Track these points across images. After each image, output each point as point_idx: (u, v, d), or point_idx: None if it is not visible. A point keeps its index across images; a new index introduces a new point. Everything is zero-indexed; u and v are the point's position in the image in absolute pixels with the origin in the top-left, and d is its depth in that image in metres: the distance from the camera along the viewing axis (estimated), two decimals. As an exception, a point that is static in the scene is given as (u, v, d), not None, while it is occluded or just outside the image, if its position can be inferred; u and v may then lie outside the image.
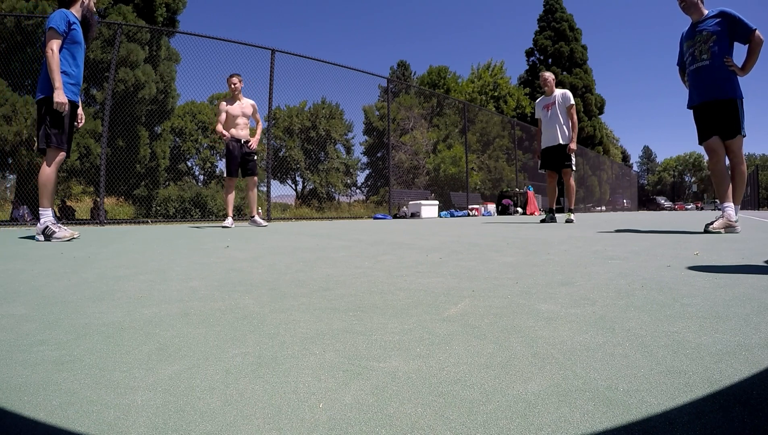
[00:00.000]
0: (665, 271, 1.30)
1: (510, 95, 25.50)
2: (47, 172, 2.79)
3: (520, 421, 0.43)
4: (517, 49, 68.84)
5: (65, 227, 2.84)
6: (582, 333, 0.71)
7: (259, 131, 5.14)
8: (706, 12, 3.16)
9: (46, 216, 2.77)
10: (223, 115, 4.87)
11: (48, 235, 2.71)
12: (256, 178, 5.04)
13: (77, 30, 2.87)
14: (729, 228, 2.96)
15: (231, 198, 4.93)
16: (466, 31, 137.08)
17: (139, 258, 1.85)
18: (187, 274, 1.38)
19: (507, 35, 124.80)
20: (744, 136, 3.03)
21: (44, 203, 2.79)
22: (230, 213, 4.87)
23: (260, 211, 8.29)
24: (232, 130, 4.89)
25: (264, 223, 5.10)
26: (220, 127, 4.80)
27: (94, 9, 3.04)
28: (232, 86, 4.90)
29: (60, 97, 2.70)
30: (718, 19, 3.06)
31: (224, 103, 4.92)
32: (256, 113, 5.08)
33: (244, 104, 4.94)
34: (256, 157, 4.98)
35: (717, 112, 3.04)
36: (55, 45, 2.71)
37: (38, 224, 2.75)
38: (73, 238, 2.80)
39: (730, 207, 3.02)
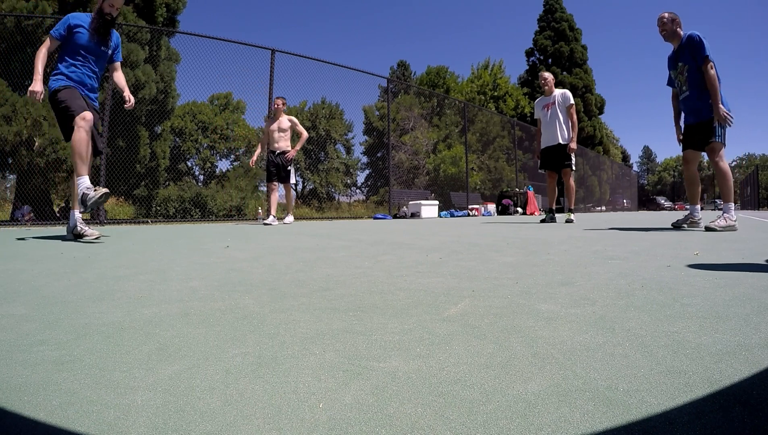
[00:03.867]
0: (665, 271, 1.30)
1: (509, 95, 25.50)
2: (75, 136, 2.70)
3: (520, 421, 0.43)
4: (517, 49, 68.81)
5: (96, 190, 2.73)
6: (582, 333, 0.71)
7: (299, 143, 5.87)
8: (682, 35, 3.37)
9: (83, 184, 2.70)
10: (264, 135, 5.90)
11: (85, 202, 2.65)
12: (287, 184, 5.90)
13: (82, 33, 2.83)
14: (692, 224, 3.54)
15: (272, 199, 5.83)
16: (466, 31, 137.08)
17: (139, 258, 1.85)
18: (187, 274, 1.38)
19: (507, 35, 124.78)
20: (723, 144, 3.27)
21: (80, 170, 2.72)
22: (273, 212, 5.73)
23: (260, 211, 8.29)
24: (272, 144, 5.78)
25: (276, 222, 5.69)
26: (255, 155, 5.83)
27: (106, 9, 2.88)
28: (275, 106, 5.83)
29: (33, 84, 2.66)
30: (686, 49, 3.29)
31: (266, 122, 5.95)
32: (297, 126, 5.84)
33: (282, 121, 5.78)
34: (289, 167, 5.81)
35: (697, 131, 3.37)
36: (42, 47, 2.75)
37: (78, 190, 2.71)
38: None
39: (694, 208, 3.59)
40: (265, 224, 5.44)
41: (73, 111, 2.73)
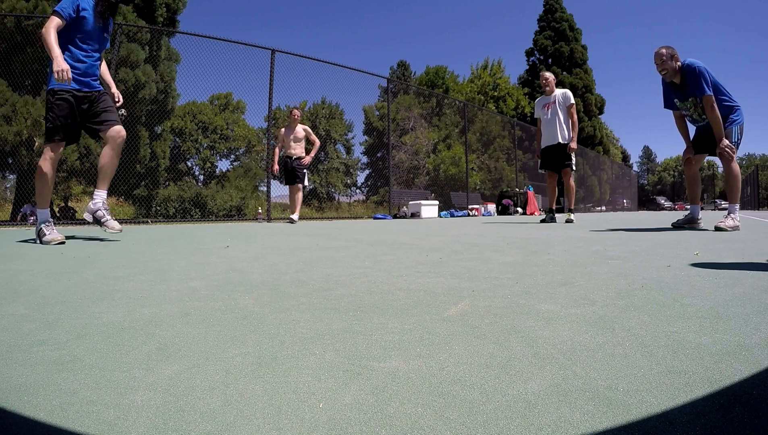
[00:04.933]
0: (665, 271, 1.30)
1: (509, 95, 25.50)
2: (39, 168, 2.62)
3: (520, 421, 0.43)
4: (517, 49, 68.84)
5: (55, 230, 2.64)
6: (582, 333, 0.71)
7: (314, 150, 6.55)
8: (682, 66, 3.34)
9: (41, 216, 2.63)
10: (279, 141, 6.45)
11: (40, 236, 2.58)
12: (300, 185, 6.43)
13: (87, 17, 2.66)
14: (690, 224, 3.61)
15: (290, 200, 6.53)
16: (467, 31, 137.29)
17: (139, 258, 1.85)
18: (187, 274, 1.38)
19: (507, 35, 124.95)
20: (737, 148, 3.33)
21: (38, 202, 2.66)
22: (298, 211, 6.45)
23: (260, 211, 8.33)
24: (288, 151, 6.36)
25: (297, 220, 6.34)
26: (275, 163, 6.44)
27: None
28: (292, 116, 6.38)
29: (57, 64, 2.46)
30: (689, 81, 3.27)
31: (283, 129, 6.44)
32: (311, 135, 6.48)
33: (297, 129, 6.38)
34: (305, 170, 6.43)
35: (711, 137, 3.33)
36: (50, 24, 2.53)
37: (36, 225, 2.64)
38: (63, 242, 2.58)
39: (695, 207, 3.62)
40: (291, 223, 6.15)
41: (49, 134, 2.61)
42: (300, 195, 6.51)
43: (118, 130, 2.76)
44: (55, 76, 2.47)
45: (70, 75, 2.50)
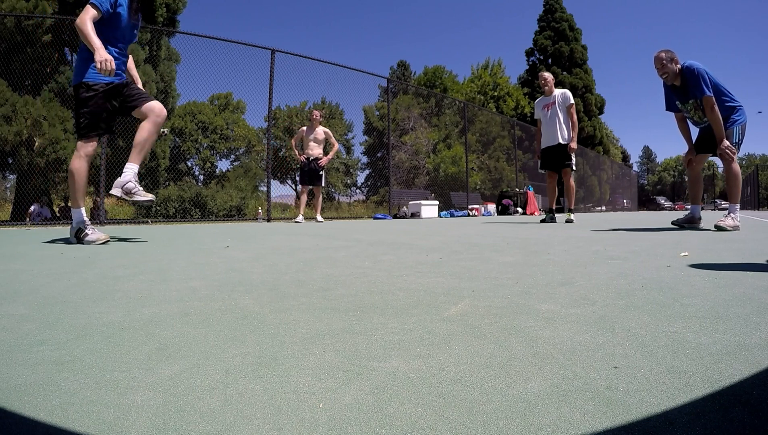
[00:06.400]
0: (665, 271, 1.30)
1: (509, 95, 25.52)
2: (73, 165, 2.52)
3: (520, 421, 0.43)
4: (517, 49, 68.93)
5: (97, 230, 2.56)
6: (582, 333, 0.71)
7: (332, 153, 6.71)
8: (682, 69, 3.34)
9: (77, 216, 2.53)
10: (298, 136, 6.67)
11: (80, 238, 2.48)
12: (318, 187, 6.62)
13: (122, 13, 2.56)
14: (690, 223, 3.59)
15: (303, 201, 6.65)
16: (467, 31, 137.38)
17: (139, 258, 1.85)
18: (187, 274, 1.38)
19: (507, 35, 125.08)
20: (738, 149, 3.34)
21: (73, 202, 2.55)
22: (302, 212, 6.50)
23: (260, 211, 8.35)
24: (307, 151, 6.51)
25: (304, 221, 6.37)
26: (298, 154, 6.58)
27: None
28: (313, 117, 6.58)
29: (100, 55, 2.34)
30: (690, 83, 3.27)
31: (304, 128, 6.62)
32: (330, 138, 6.68)
33: (317, 131, 6.57)
34: (322, 172, 6.56)
35: (713, 137, 3.32)
36: (86, 15, 2.40)
37: (71, 225, 2.54)
38: (108, 241, 2.52)
39: (695, 207, 3.62)
40: (296, 223, 6.17)
41: (85, 130, 2.52)
42: (321, 196, 6.77)
43: (161, 108, 2.66)
44: (98, 66, 2.34)
45: (114, 65, 2.39)
